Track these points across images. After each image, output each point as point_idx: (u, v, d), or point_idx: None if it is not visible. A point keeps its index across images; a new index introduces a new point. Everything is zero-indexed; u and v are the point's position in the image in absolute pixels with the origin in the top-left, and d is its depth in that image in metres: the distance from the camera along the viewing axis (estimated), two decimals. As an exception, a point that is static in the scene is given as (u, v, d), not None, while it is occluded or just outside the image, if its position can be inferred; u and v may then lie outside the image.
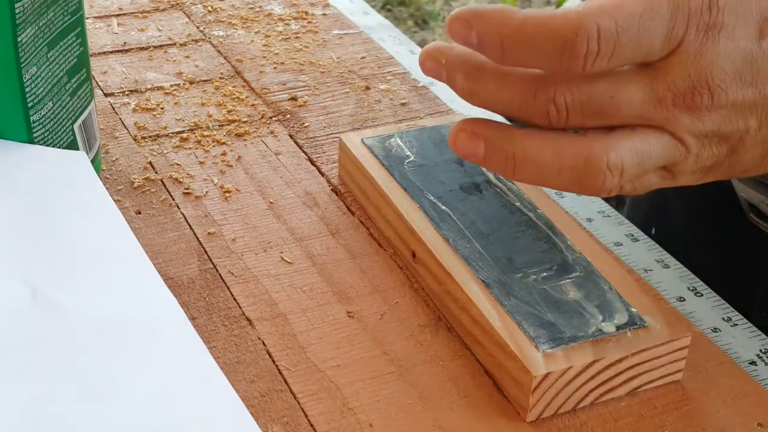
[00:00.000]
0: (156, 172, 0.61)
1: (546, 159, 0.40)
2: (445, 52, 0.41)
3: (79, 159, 0.55)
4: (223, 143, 0.64)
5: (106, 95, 0.69)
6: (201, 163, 0.62)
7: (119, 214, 0.51)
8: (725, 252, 0.70)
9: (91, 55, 0.65)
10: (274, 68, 0.73)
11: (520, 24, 0.38)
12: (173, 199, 0.59)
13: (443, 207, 0.54)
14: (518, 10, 0.39)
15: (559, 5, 2.44)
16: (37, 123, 0.53)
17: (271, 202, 0.59)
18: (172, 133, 0.65)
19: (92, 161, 0.58)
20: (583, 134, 0.40)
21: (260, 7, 0.82)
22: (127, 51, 0.75)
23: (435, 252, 0.51)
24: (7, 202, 0.51)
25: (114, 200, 0.53)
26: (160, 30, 0.78)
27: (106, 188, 0.54)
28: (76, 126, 0.57)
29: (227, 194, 0.59)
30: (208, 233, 0.56)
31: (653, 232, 0.58)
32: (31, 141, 0.54)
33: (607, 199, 0.62)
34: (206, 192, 0.59)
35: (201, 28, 0.78)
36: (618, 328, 0.46)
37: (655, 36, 0.38)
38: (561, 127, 0.40)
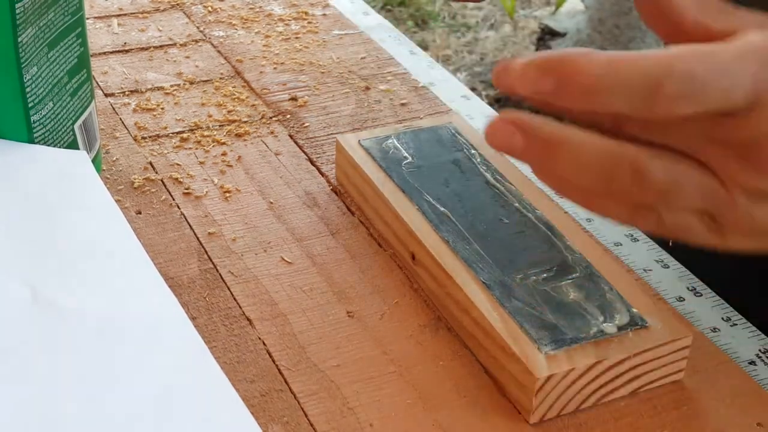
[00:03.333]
0: (156, 172, 0.61)
1: (585, 147, 0.37)
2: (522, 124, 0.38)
3: (80, 159, 0.55)
4: (223, 143, 0.64)
5: (106, 95, 0.69)
6: (201, 163, 0.62)
7: (120, 214, 0.51)
8: (760, 277, 0.64)
9: (91, 56, 0.65)
10: (274, 68, 0.73)
11: (607, 62, 0.36)
12: (173, 199, 0.59)
13: (442, 208, 0.54)
14: (593, 51, 0.37)
15: (559, 5, 2.44)
16: (37, 123, 0.53)
17: (271, 202, 0.59)
18: (172, 133, 0.65)
19: (93, 161, 0.58)
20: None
21: (260, 7, 0.82)
22: (127, 51, 0.75)
23: (435, 254, 0.51)
24: (8, 202, 0.51)
25: (114, 200, 0.53)
26: (160, 30, 0.78)
27: (107, 188, 0.54)
28: (76, 126, 0.57)
29: (227, 194, 0.59)
30: (208, 233, 0.56)
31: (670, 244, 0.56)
32: (31, 141, 0.54)
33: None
34: (206, 192, 0.59)
35: (201, 29, 0.78)
36: (619, 328, 0.46)
37: (740, 86, 0.36)
38: (622, 138, 0.38)
